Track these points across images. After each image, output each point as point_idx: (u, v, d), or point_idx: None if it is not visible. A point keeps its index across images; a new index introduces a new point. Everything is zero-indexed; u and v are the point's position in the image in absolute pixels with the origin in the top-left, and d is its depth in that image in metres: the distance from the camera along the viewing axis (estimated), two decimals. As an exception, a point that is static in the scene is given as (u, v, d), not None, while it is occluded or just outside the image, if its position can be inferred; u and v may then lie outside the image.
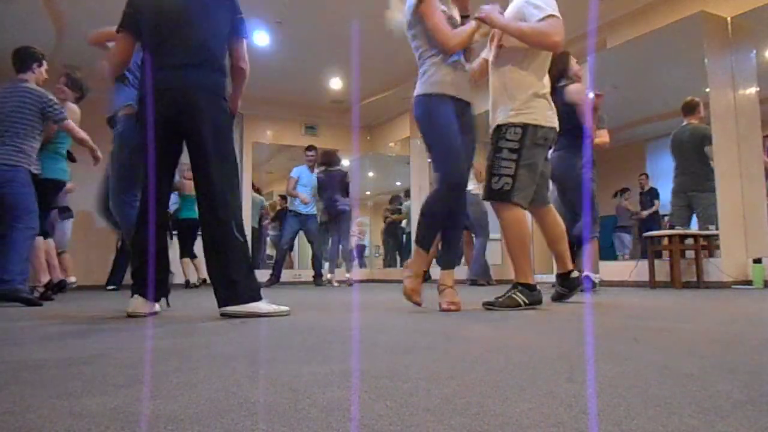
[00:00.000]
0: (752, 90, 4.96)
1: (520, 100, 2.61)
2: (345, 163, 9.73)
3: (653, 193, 6.42)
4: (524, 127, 2.58)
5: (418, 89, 2.65)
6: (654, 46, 5.43)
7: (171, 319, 2.25)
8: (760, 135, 4.94)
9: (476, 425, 0.67)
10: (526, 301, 2.59)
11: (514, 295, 2.59)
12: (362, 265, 9.87)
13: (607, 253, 5.92)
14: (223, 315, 2.29)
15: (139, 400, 0.82)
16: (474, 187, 5.84)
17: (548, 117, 2.64)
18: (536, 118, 2.59)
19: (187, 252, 6.87)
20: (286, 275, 7.47)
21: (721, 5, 5.03)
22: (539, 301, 2.63)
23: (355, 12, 5.81)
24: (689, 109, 4.97)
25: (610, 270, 5.45)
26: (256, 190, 9.21)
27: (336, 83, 8.19)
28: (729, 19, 5.02)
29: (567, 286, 2.96)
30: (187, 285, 6.80)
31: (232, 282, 2.30)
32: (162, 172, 2.41)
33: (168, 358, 1.23)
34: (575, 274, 2.97)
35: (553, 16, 2.50)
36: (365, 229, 10.66)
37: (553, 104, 2.71)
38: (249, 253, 2.49)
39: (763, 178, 4.91)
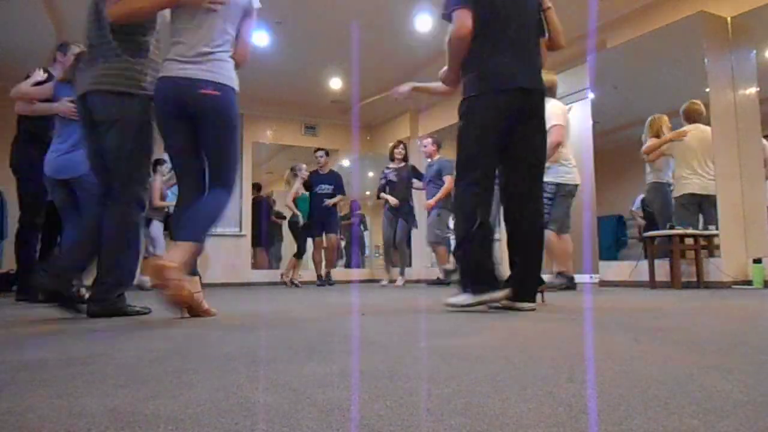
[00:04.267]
0: (752, 90, 4.95)
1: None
2: (345, 163, 9.73)
3: None
4: (557, 185, 4.38)
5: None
6: (654, 46, 5.42)
7: (171, 320, 2.25)
8: (760, 135, 4.93)
9: (476, 425, 0.67)
10: (563, 285, 4.26)
11: (555, 280, 4.26)
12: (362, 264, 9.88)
13: (607, 253, 5.91)
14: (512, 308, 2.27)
15: (139, 400, 0.82)
16: None
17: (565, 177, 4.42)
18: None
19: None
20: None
21: (721, 5, 5.02)
22: (568, 288, 4.25)
23: (355, 12, 5.81)
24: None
25: (610, 270, 5.45)
26: (258, 188, 9.20)
27: (336, 83, 8.18)
28: (729, 19, 5.01)
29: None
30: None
31: (528, 276, 2.35)
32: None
33: (168, 358, 1.23)
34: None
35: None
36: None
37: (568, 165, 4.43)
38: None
39: (764, 178, 4.89)
